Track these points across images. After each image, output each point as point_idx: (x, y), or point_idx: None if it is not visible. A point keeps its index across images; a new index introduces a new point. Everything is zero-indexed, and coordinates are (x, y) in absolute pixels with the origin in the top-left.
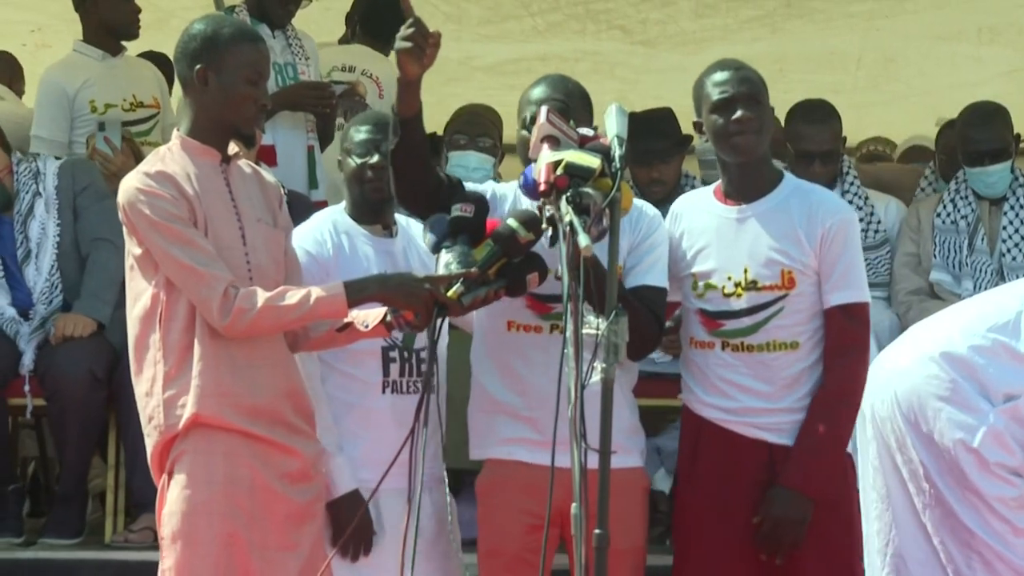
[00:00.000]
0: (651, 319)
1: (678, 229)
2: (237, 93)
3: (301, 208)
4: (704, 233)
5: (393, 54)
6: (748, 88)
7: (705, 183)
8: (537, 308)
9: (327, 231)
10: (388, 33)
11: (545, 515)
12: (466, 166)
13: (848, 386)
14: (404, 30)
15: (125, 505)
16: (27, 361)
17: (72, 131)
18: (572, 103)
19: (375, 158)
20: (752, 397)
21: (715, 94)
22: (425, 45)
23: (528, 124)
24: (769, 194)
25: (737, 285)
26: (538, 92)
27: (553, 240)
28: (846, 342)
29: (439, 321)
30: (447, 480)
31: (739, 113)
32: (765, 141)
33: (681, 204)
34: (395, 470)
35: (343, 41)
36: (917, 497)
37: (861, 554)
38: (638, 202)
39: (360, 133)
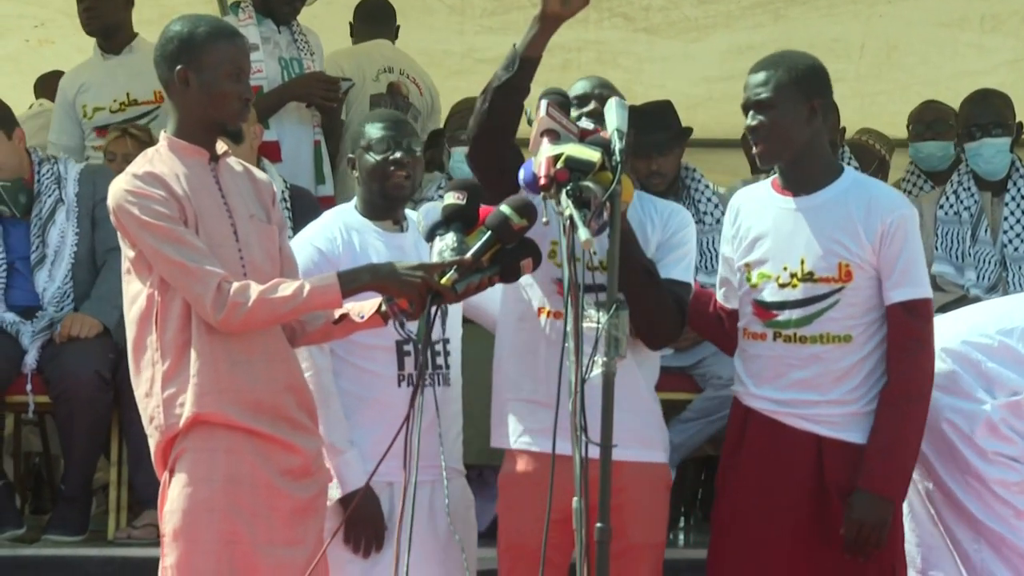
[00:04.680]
0: (675, 310)
1: (736, 222)
2: (219, 90)
3: (306, 204)
4: (761, 223)
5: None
6: (756, 94)
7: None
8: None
9: (337, 228)
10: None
11: (568, 509)
12: None
13: (914, 382)
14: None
15: (128, 501)
16: (30, 360)
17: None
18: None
19: (398, 153)
20: (802, 389)
21: (743, 96)
22: None
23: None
24: (827, 187)
25: (793, 276)
26: (579, 86)
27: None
28: (909, 338)
29: (433, 309)
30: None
31: (747, 120)
32: (782, 145)
33: (739, 198)
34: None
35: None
36: (922, 483)
37: (903, 548)
38: (669, 203)
39: (377, 130)
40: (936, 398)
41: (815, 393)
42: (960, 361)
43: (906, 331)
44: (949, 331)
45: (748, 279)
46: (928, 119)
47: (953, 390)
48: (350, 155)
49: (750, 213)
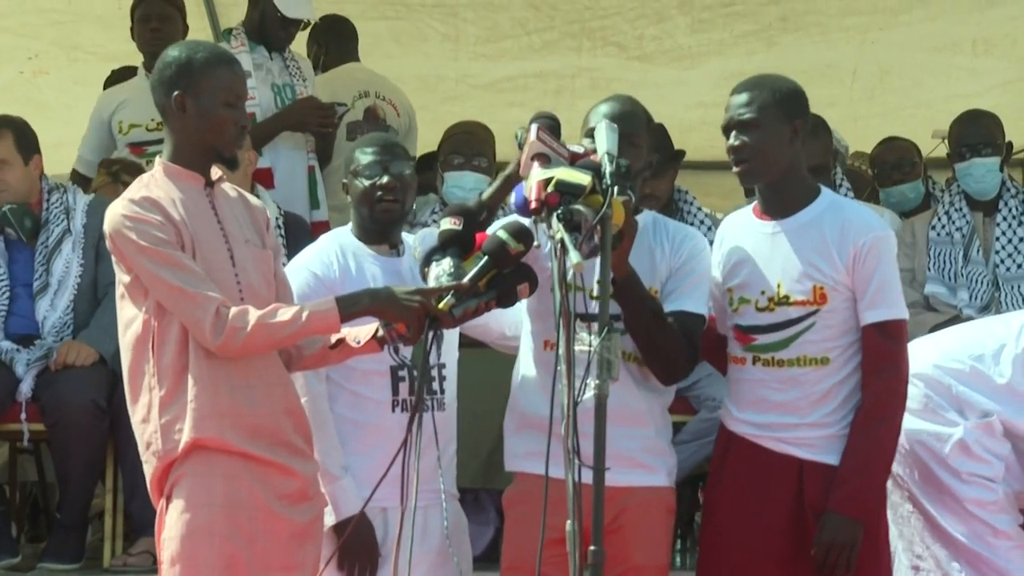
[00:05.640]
0: (685, 345)
1: (721, 249)
2: (216, 116)
3: (299, 230)
4: (741, 248)
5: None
6: (739, 114)
7: None
8: None
9: (333, 253)
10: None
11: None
12: (463, 186)
13: (885, 405)
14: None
15: (124, 529)
16: (25, 388)
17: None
18: (637, 123)
19: (385, 179)
20: (781, 412)
21: (724, 117)
22: None
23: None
24: (803, 209)
25: (770, 300)
26: (607, 107)
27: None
28: (882, 360)
29: (431, 334)
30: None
31: (729, 140)
32: (765, 165)
33: (725, 224)
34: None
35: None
36: (901, 507)
37: (890, 570)
38: (684, 227)
39: (367, 155)
40: (909, 422)
41: (794, 416)
42: (932, 385)
43: (879, 352)
44: (921, 356)
45: (730, 304)
46: (892, 160)
47: (926, 414)
48: (344, 181)
49: (733, 239)
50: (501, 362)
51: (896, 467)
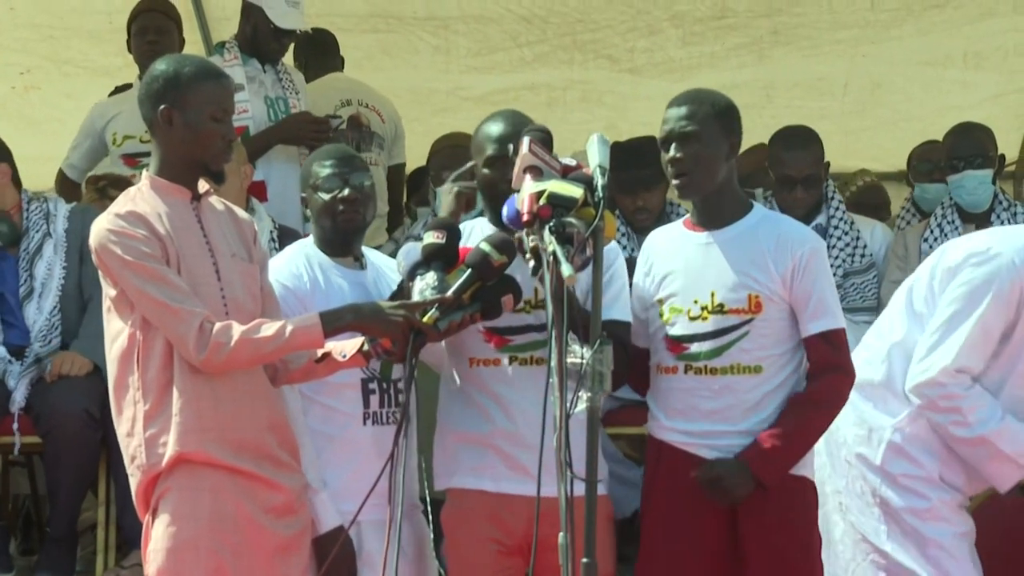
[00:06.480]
0: (620, 351)
1: (648, 261)
2: (203, 130)
3: (292, 243)
4: (672, 259)
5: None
6: (680, 126)
7: None
8: (495, 342)
9: (302, 264)
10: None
11: (512, 543)
12: None
13: (828, 395)
14: (461, 179)
15: (116, 541)
16: (18, 398)
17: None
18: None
19: (346, 191)
20: (713, 420)
21: (661, 130)
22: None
23: (511, 155)
24: (738, 221)
25: (704, 308)
26: (496, 128)
27: (535, 270)
28: (829, 365)
29: (417, 347)
30: (425, 508)
31: (668, 154)
32: (705, 178)
33: (652, 237)
34: (375, 501)
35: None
36: (837, 516)
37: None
38: None
39: (325, 168)
40: (845, 433)
41: (726, 424)
42: (861, 389)
43: (827, 358)
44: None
45: (661, 315)
46: (936, 159)
47: (856, 422)
48: (302, 195)
49: (662, 251)
50: None
51: (839, 482)
